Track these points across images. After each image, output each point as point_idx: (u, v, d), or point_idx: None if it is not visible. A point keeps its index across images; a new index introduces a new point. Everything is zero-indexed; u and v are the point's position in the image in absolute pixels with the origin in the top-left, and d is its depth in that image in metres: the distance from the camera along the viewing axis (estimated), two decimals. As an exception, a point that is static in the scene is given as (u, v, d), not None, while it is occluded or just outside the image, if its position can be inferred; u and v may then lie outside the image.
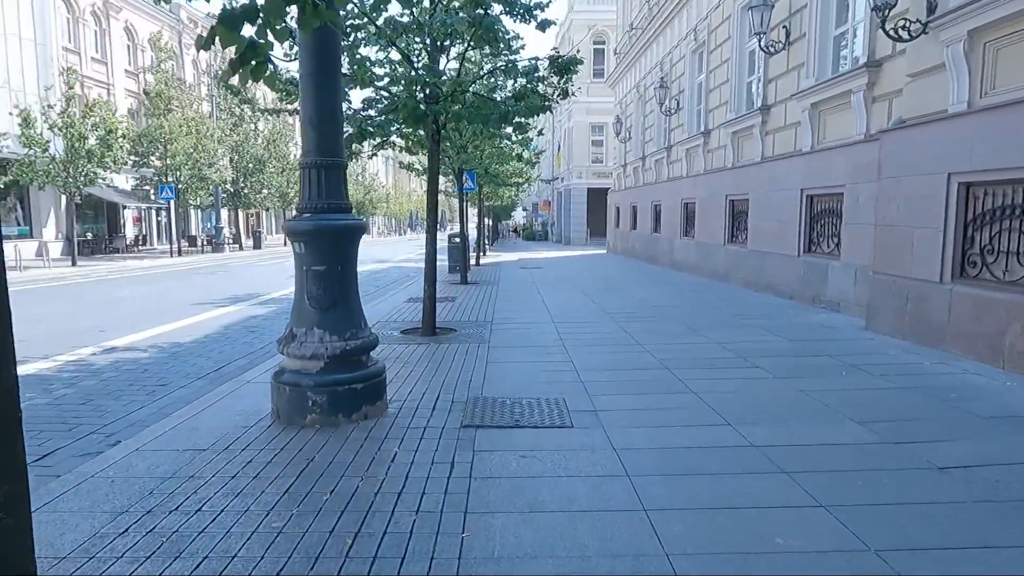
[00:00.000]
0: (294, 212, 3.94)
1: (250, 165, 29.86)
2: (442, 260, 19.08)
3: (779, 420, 3.87)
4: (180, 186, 24.96)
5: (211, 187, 26.38)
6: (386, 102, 6.38)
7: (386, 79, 6.33)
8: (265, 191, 31.11)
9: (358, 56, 5.87)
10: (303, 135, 3.80)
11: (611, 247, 25.49)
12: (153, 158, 24.15)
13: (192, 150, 23.90)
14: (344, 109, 4.82)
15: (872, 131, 7.61)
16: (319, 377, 3.75)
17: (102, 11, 26.80)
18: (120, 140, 18.82)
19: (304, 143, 3.80)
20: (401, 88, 6.20)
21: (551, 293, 11.04)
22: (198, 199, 26.77)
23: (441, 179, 13.82)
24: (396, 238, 62.81)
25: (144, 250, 28.47)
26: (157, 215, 33.52)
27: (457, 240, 13.83)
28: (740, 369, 5.25)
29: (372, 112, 6.55)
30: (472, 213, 20.22)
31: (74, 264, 18.90)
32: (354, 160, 7.24)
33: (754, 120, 11.08)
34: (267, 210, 40.27)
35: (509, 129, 7.54)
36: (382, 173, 72.19)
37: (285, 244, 37.98)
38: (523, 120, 6.74)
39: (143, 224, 30.96)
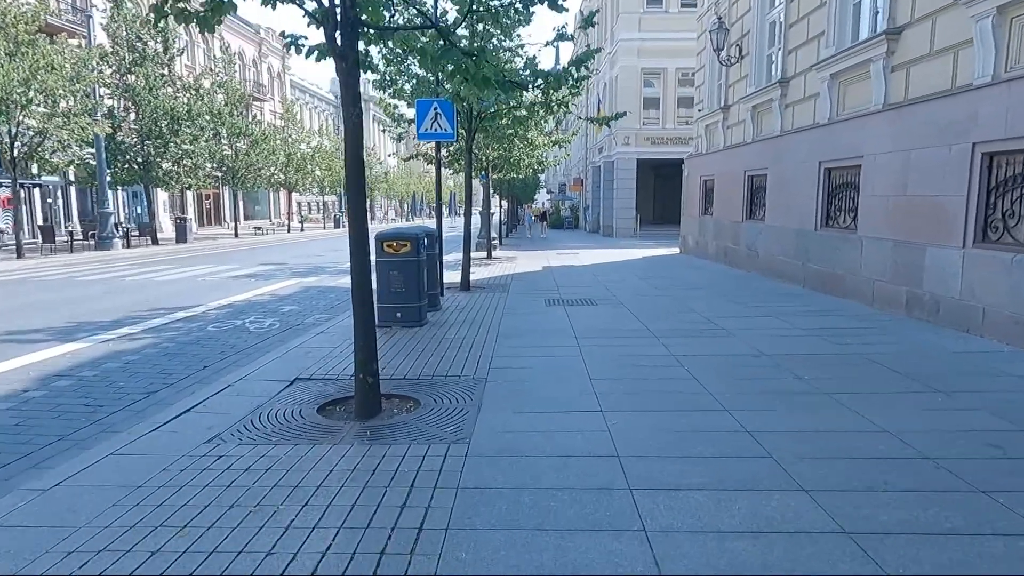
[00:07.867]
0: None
1: (160, 124, 20.63)
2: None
3: None
4: (24, 149, 16.11)
5: (69, 151, 17.28)
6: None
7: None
8: (188, 161, 21.93)
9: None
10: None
11: (690, 244, 16.12)
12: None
13: (22, 87, 14.64)
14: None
15: None
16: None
17: None
18: None
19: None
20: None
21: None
22: (57, 168, 17.93)
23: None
24: (401, 223, 53.83)
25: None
26: (55, 196, 24.96)
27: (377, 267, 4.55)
28: None
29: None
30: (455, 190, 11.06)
31: None
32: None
33: None
34: (214, 187, 31.60)
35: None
36: (384, 147, 62.88)
37: (237, 235, 28.89)
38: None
39: (21, 209, 22.25)
